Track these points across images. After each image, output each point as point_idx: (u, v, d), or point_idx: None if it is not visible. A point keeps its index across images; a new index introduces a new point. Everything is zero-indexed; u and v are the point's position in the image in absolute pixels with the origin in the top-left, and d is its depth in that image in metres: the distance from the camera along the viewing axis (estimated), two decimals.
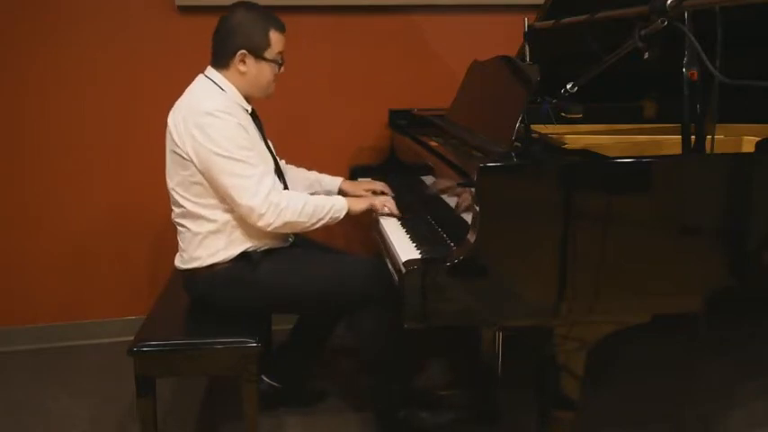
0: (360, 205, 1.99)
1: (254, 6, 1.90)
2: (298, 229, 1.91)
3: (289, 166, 2.24)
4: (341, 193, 2.21)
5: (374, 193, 2.19)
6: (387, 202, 2.03)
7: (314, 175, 2.27)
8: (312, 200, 1.89)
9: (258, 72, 1.89)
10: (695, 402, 2.24)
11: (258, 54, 1.87)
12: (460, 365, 2.49)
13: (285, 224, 1.83)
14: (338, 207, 1.91)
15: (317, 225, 1.88)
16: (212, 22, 2.70)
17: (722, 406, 2.21)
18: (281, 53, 1.92)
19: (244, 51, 1.86)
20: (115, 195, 2.68)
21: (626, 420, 2.13)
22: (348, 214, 1.94)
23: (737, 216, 1.54)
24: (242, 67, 1.87)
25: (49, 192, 2.64)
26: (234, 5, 1.90)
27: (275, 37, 1.89)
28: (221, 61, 1.89)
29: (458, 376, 2.41)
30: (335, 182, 2.26)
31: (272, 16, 1.90)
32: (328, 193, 2.21)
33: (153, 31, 2.56)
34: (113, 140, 2.63)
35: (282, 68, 1.94)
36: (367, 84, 2.75)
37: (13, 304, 2.72)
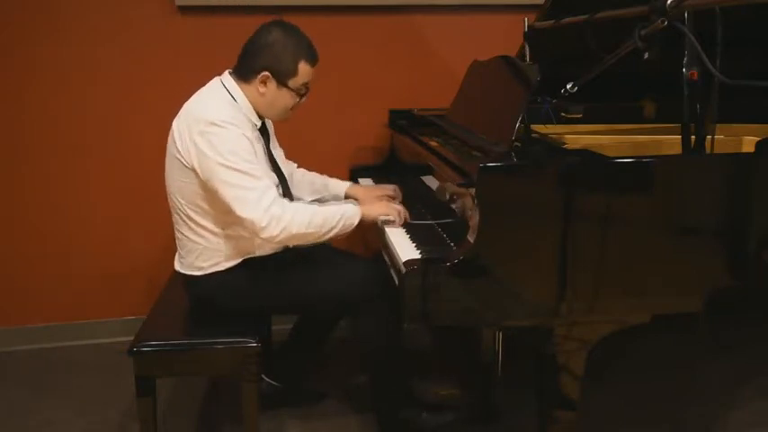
0: (375, 212, 1.90)
1: (293, 31, 1.82)
2: (308, 241, 1.81)
3: (299, 170, 2.20)
4: (347, 198, 2.14)
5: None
6: (403, 213, 1.91)
7: (320, 179, 2.20)
8: (321, 210, 1.80)
9: (277, 97, 1.83)
10: (695, 402, 2.24)
11: (281, 80, 1.80)
12: (460, 365, 2.49)
13: (292, 237, 1.75)
14: (350, 214, 1.82)
15: (329, 235, 1.80)
16: (212, 22, 2.68)
17: (722, 406, 2.21)
18: (306, 84, 1.85)
19: (267, 73, 1.79)
20: (115, 195, 2.68)
21: (626, 420, 2.13)
22: (362, 222, 1.86)
23: (737, 216, 1.54)
24: (261, 88, 1.81)
25: (48, 191, 2.64)
26: (273, 23, 1.82)
27: (304, 68, 1.81)
28: (243, 74, 1.82)
29: (458, 376, 2.41)
30: (341, 187, 2.17)
31: (308, 46, 1.83)
32: (335, 197, 2.15)
33: (153, 31, 2.56)
34: (113, 140, 2.63)
35: (304, 99, 1.88)
36: (367, 84, 2.75)
37: (12, 304, 2.72)
